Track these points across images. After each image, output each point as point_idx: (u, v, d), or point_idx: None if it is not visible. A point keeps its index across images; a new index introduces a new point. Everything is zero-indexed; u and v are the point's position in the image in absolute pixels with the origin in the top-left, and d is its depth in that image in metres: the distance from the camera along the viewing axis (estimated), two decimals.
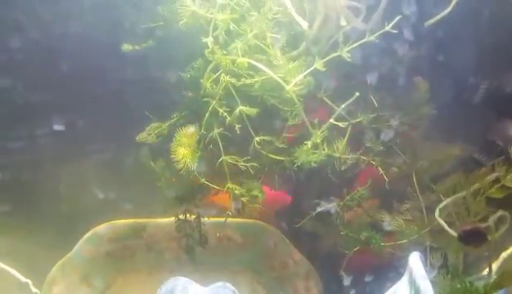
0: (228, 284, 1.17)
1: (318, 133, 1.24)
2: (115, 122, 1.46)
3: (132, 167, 1.46)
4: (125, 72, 1.40)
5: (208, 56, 1.19)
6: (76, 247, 1.49)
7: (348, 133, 1.31)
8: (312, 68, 1.22)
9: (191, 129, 1.18)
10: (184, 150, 1.15)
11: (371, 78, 1.37)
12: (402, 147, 1.45)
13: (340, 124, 1.27)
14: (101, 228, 1.51)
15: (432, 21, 1.30)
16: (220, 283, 1.17)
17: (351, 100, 1.28)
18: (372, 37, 1.23)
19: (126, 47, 1.29)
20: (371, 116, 1.35)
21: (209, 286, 1.18)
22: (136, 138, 1.27)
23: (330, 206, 1.38)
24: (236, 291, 1.18)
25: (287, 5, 1.19)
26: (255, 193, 1.22)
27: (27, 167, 1.52)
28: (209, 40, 1.15)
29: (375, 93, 1.38)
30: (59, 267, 1.47)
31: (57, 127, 1.49)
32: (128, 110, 1.41)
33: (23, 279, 1.40)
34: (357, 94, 1.28)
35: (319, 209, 1.36)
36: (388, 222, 1.39)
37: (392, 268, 1.38)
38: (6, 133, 1.48)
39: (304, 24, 1.20)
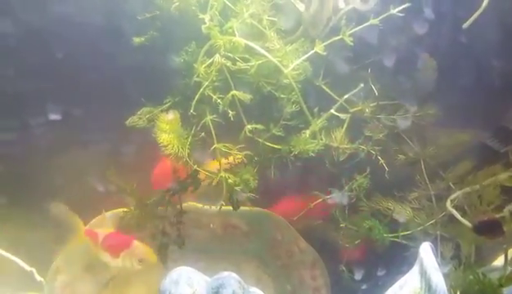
0: (234, 274, 1.09)
1: (317, 122, 1.12)
2: (113, 111, 1.31)
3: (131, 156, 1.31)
4: (123, 58, 1.27)
5: (205, 33, 1.07)
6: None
7: (346, 122, 1.19)
8: (312, 51, 1.10)
9: (171, 115, 1.08)
10: (167, 136, 1.05)
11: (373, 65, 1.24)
12: (409, 133, 1.32)
13: (340, 116, 1.16)
14: (105, 217, 1.41)
15: (469, 22, 1.12)
16: (225, 273, 1.09)
17: (355, 91, 1.17)
18: (375, 21, 1.10)
19: (137, 40, 1.18)
20: (372, 104, 1.23)
21: (214, 276, 1.09)
22: (126, 122, 1.12)
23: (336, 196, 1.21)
24: (242, 280, 1.09)
25: None
26: (246, 176, 1.09)
27: (22, 158, 1.39)
28: (206, 16, 1.06)
29: (378, 79, 1.24)
30: (63, 256, 1.38)
31: (53, 117, 1.35)
32: (126, 98, 1.26)
33: (27, 268, 1.34)
34: (362, 85, 1.18)
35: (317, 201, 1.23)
36: (396, 211, 1.21)
37: (401, 258, 1.20)
38: None
39: (301, 7, 1.10)
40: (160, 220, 1.21)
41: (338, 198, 1.24)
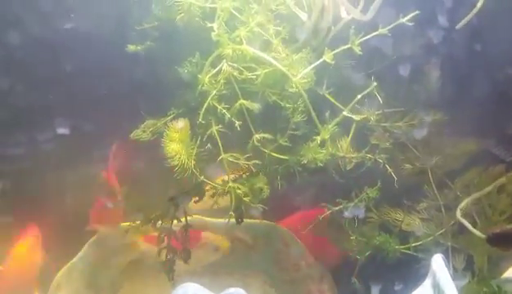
0: (241, 290, 1.05)
1: (329, 127, 1.09)
2: (121, 124, 1.27)
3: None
4: (130, 71, 1.25)
5: (214, 41, 1.05)
6: (81, 252, 1.36)
7: (352, 131, 1.15)
8: (321, 60, 1.08)
9: (181, 123, 1.04)
10: (176, 146, 1.01)
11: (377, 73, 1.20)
12: (415, 142, 1.29)
13: (354, 117, 1.12)
14: (107, 231, 1.37)
15: (462, 23, 1.10)
16: (232, 289, 1.05)
17: (367, 91, 1.13)
18: (384, 31, 1.09)
19: (132, 48, 1.16)
20: (377, 112, 1.19)
21: (221, 293, 1.05)
22: (131, 135, 1.09)
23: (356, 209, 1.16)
24: None
25: None
26: (259, 185, 1.06)
27: (29, 174, 1.35)
28: (215, 25, 1.04)
29: (383, 88, 1.20)
30: (64, 272, 1.33)
31: (61, 131, 1.32)
32: (134, 111, 1.22)
33: None
34: (375, 84, 1.14)
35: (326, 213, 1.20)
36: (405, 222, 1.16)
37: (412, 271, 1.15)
38: (5, 138, 1.32)
39: (303, 16, 1.09)
40: (166, 235, 1.16)
41: (348, 210, 1.19)
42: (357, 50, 1.08)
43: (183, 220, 1.17)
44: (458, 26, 1.15)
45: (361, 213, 1.19)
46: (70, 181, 1.35)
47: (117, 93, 1.27)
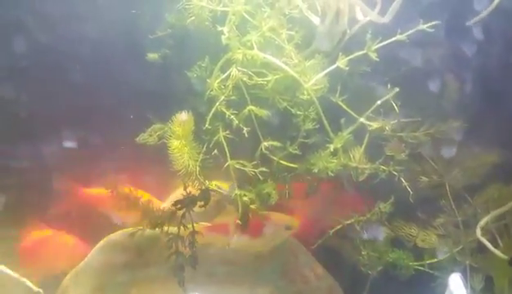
0: None
1: (344, 134, 1.04)
2: (127, 132, 1.19)
3: None
4: (136, 77, 1.21)
5: (224, 45, 1.01)
6: (89, 256, 1.35)
7: (365, 140, 1.09)
8: (335, 66, 1.03)
9: (184, 115, 0.98)
10: (178, 143, 0.96)
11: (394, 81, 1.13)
12: (431, 154, 1.23)
13: (373, 123, 1.06)
14: (115, 236, 1.35)
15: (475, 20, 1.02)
16: None
17: (386, 98, 1.06)
18: (403, 37, 1.04)
19: (152, 57, 1.13)
20: (393, 122, 1.12)
21: None
22: (136, 139, 1.04)
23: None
24: None
25: (298, 1, 1.03)
26: (268, 190, 1.01)
27: (34, 188, 1.28)
28: (225, 29, 1.00)
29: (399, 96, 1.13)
30: (72, 276, 1.31)
31: (68, 144, 1.26)
32: (141, 119, 1.17)
33: (35, 289, 1.26)
34: (397, 89, 1.07)
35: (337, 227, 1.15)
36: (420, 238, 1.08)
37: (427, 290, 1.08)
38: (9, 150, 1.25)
39: (316, 20, 1.04)
40: (173, 241, 1.12)
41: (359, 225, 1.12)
42: (374, 56, 1.02)
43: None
44: (469, 23, 1.10)
45: (379, 233, 1.12)
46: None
47: (125, 102, 1.22)
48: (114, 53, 1.20)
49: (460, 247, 1.13)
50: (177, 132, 0.96)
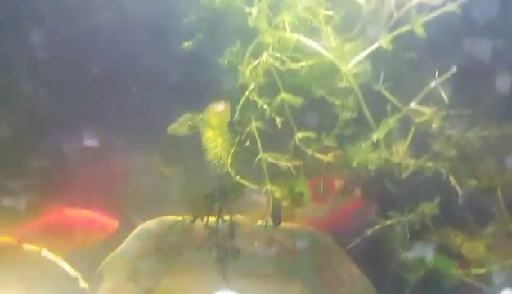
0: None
1: (390, 122, 0.92)
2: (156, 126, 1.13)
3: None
4: (163, 67, 1.15)
5: (252, 28, 0.93)
6: (124, 244, 1.35)
7: (410, 134, 0.96)
8: (376, 45, 0.91)
9: (221, 105, 0.93)
10: (212, 134, 0.92)
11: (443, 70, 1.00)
12: (483, 154, 1.08)
13: (422, 109, 0.93)
14: (150, 224, 1.36)
15: None
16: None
17: (438, 82, 0.92)
18: (454, 6, 0.87)
19: (187, 45, 1.07)
20: (442, 114, 0.98)
21: None
22: (168, 129, 1.03)
23: None
24: None
25: None
26: (299, 188, 0.95)
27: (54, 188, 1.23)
28: (254, 10, 0.91)
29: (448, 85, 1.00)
30: (107, 263, 1.33)
31: (88, 143, 1.19)
32: (170, 112, 1.09)
33: (73, 274, 1.28)
34: (454, 69, 0.92)
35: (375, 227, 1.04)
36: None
37: None
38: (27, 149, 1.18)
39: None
40: (213, 233, 1.09)
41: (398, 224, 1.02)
42: (420, 31, 0.87)
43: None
44: None
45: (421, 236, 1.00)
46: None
47: (152, 95, 1.16)
48: (139, 43, 1.13)
49: None
50: (212, 122, 0.93)
